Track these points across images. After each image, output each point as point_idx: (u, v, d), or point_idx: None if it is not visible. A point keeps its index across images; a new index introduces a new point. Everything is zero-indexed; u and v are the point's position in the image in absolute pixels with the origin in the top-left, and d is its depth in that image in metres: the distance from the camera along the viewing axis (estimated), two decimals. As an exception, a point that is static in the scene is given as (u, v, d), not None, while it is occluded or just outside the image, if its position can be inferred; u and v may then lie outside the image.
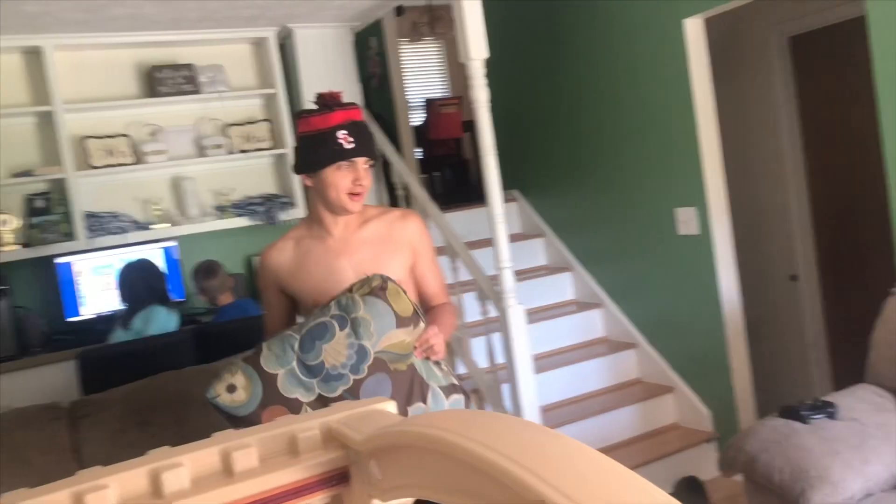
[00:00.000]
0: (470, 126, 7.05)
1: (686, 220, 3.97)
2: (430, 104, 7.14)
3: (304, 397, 1.78)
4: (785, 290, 4.55)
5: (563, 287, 4.90)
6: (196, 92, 4.28)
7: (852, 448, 2.24)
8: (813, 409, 2.40)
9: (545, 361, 4.29)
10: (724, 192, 3.88)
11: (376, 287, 1.82)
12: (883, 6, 2.91)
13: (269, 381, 1.77)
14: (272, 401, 1.76)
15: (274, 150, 4.46)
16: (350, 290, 1.84)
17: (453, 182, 7.26)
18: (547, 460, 0.61)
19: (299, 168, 2.02)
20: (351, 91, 4.62)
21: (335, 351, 1.77)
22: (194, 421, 2.68)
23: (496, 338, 3.67)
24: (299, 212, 4.49)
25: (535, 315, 4.34)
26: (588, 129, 4.53)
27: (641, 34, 4.00)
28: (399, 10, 6.01)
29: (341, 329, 1.78)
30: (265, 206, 4.39)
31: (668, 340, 4.28)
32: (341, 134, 1.92)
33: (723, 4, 3.57)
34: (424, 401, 1.83)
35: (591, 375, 4.36)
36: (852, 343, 4.07)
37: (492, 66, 3.54)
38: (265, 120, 4.49)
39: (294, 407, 1.77)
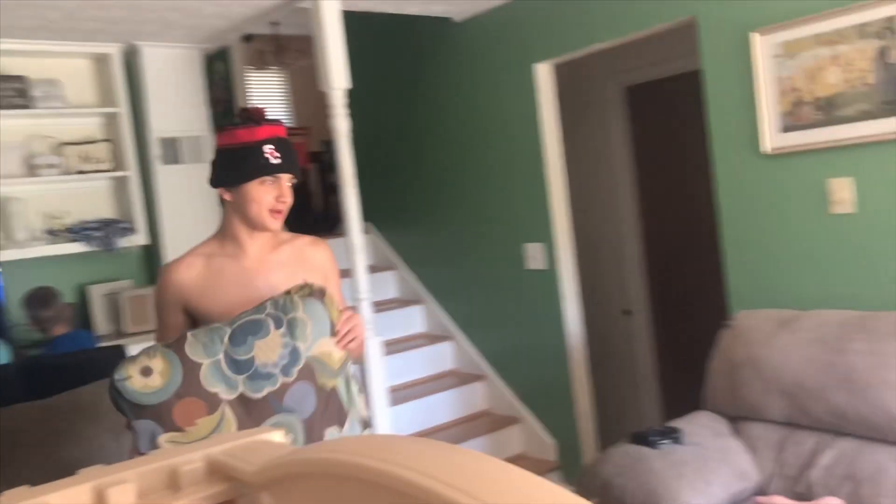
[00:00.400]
0: (316, 157, 7.01)
1: (534, 256, 4.11)
2: (277, 133, 7.02)
3: (226, 394, 1.67)
4: (620, 323, 4.81)
5: (413, 320, 4.93)
6: (27, 106, 3.97)
7: (696, 471, 2.40)
8: (661, 434, 2.54)
9: (396, 394, 4.28)
10: (570, 229, 4.07)
11: (317, 290, 1.79)
12: (716, 62, 3.18)
13: (191, 369, 1.65)
14: (190, 392, 1.64)
15: (115, 171, 4.21)
16: (288, 292, 1.79)
17: (295, 213, 7.13)
18: (466, 474, 0.61)
19: (218, 181, 1.96)
20: (199, 115, 4.46)
21: (268, 348, 1.69)
22: (22, 464, 2.45)
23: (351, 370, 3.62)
24: (140, 238, 4.25)
25: (386, 347, 4.32)
26: (441, 164, 4.62)
27: (496, 75, 4.15)
28: (247, 37, 5.90)
29: (276, 328, 1.71)
30: (103, 232, 4.12)
31: (516, 372, 4.40)
32: (268, 148, 1.89)
33: (569, 53, 3.78)
34: (341, 426, 1.78)
35: (440, 407, 4.39)
36: (681, 373, 4.36)
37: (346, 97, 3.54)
38: (106, 140, 4.23)
39: (213, 402, 1.66)
